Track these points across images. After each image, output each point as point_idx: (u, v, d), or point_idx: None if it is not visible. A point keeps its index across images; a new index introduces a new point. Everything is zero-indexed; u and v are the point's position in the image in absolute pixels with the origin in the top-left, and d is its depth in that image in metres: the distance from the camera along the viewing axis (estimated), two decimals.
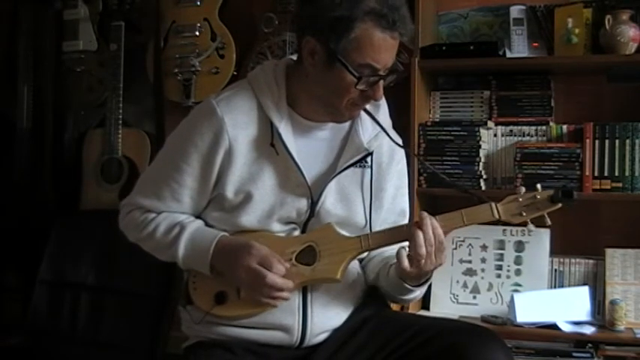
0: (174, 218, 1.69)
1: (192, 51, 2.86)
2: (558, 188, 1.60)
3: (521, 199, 1.60)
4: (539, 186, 1.61)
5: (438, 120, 2.62)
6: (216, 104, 1.65)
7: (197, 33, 2.87)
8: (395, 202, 1.79)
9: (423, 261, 1.57)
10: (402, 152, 1.80)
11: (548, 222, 1.61)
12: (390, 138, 1.73)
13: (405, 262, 1.57)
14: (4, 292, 2.99)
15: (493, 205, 1.60)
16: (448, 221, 1.60)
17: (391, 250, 1.67)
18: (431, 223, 1.57)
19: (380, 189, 1.74)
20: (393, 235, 1.63)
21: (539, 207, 1.60)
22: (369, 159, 1.71)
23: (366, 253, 1.74)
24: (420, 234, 1.56)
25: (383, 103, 1.75)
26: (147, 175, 1.78)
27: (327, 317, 1.68)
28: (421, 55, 2.50)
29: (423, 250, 1.56)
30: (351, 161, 1.68)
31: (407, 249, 1.60)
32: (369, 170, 1.72)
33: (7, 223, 2.99)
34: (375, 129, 1.72)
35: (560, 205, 1.59)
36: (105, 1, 2.99)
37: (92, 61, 3.05)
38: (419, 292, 1.70)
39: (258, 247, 1.60)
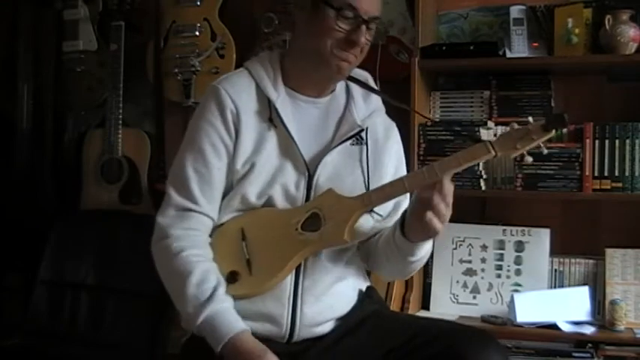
0: (207, 272, 1.63)
1: (192, 51, 2.86)
2: (550, 115, 1.57)
3: (514, 133, 1.59)
4: (530, 118, 1.60)
5: (438, 120, 2.62)
6: (218, 84, 1.73)
7: (197, 33, 2.87)
8: None
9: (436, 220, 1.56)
10: (397, 132, 1.87)
11: (545, 151, 1.62)
12: (385, 97, 1.81)
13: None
14: (4, 292, 2.98)
15: (487, 142, 1.59)
16: (445, 165, 1.58)
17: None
18: (448, 187, 1.57)
19: (379, 163, 1.78)
20: (393, 189, 1.63)
21: (534, 137, 1.57)
22: (364, 135, 1.77)
23: (371, 223, 1.74)
24: (441, 202, 1.55)
25: (376, 98, 1.83)
26: (176, 168, 1.75)
27: (319, 310, 1.67)
28: (421, 55, 2.49)
29: (435, 217, 1.55)
30: (347, 136, 1.74)
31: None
32: (365, 147, 1.77)
33: (7, 223, 2.99)
34: (368, 109, 1.80)
35: (554, 132, 1.57)
36: (105, 1, 2.99)
37: (92, 61, 3.05)
38: (428, 247, 1.69)
39: (271, 356, 1.56)
